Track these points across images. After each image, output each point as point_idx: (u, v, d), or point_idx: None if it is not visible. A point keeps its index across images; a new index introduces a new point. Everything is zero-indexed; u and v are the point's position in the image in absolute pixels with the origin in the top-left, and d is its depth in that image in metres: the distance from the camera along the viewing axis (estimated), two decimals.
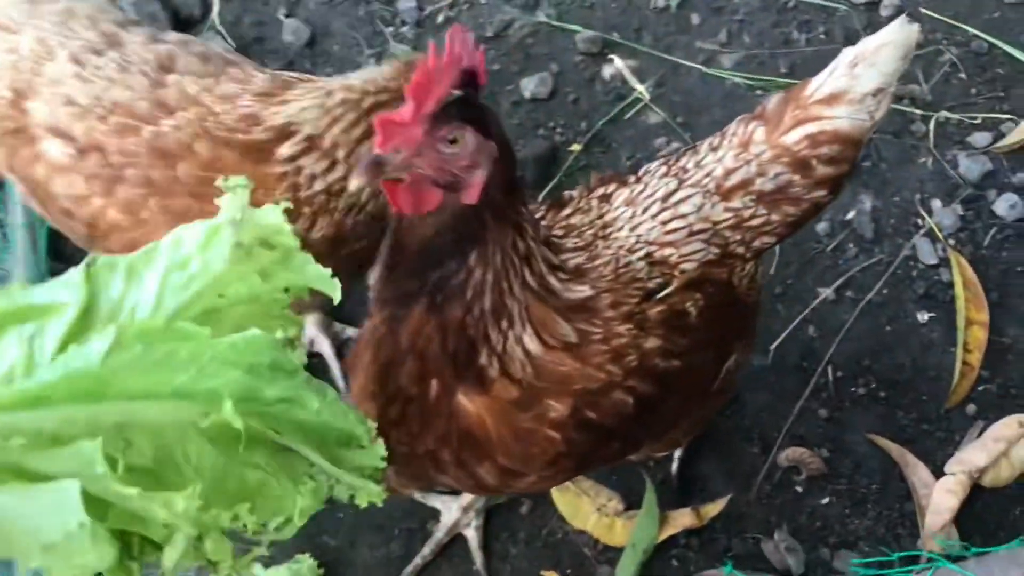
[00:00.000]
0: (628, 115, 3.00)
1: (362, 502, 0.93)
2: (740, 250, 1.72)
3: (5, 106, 2.02)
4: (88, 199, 2.00)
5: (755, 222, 1.70)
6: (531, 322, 1.47)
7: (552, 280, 1.50)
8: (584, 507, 2.34)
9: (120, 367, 0.68)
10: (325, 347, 2.63)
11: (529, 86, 3.03)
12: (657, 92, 3.03)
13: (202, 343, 0.74)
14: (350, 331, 2.65)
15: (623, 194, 1.73)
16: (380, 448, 1.03)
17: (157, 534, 0.74)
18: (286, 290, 0.87)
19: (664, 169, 1.75)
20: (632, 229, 1.67)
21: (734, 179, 1.69)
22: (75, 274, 0.76)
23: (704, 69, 3.06)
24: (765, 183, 1.68)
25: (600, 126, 2.98)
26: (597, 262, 1.60)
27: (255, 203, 0.91)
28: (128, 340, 0.70)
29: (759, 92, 2.99)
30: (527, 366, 1.49)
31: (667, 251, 1.66)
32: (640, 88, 3.01)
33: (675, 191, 1.70)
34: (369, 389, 1.56)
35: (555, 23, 3.15)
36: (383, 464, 1.00)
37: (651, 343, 1.60)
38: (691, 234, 1.67)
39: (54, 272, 2.82)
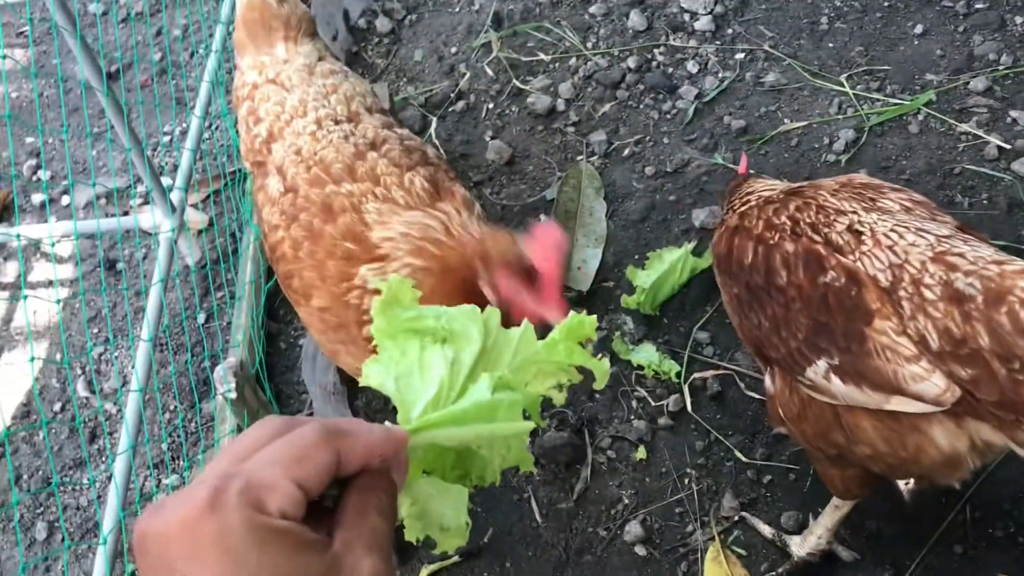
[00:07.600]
0: None
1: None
2: None
3: (260, 143, 2.51)
4: (276, 229, 2.38)
5: None
6: None
7: None
8: None
9: (494, 404, 0.98)
10: None
11: (700, 216, 3.31)
12: None
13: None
14: None
15: None
16: None
17: None
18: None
19: None
20: None
21: None
22: (474, 311, 1.03)
23: None
24: None
25: None
26: None
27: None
28: (500, 385, 1.00)
29: None
30: None
31: None
32: None
33: None
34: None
35: (730, 165, 3.44)
36: None
37: None
38: None
39: (266, 328, 3.23)
